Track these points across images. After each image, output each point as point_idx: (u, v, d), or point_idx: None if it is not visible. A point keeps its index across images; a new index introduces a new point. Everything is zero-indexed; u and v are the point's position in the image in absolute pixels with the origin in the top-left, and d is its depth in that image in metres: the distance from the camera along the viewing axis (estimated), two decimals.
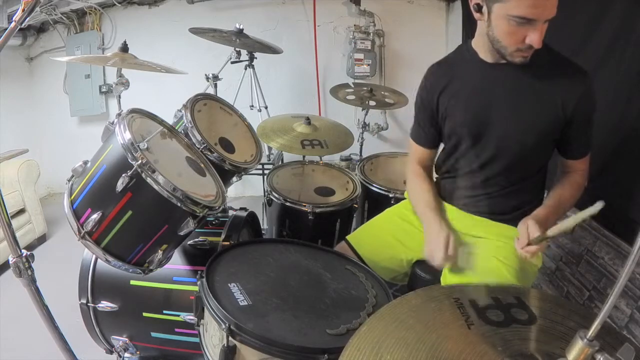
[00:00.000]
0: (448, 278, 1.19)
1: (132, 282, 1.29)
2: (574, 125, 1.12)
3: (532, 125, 1.12)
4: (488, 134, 1.17)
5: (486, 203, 1.25)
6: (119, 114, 1.13)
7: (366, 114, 2.51)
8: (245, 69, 2.75)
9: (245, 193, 3.50)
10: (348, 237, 1.42)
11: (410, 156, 1.38)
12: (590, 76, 1.10)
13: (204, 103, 1.56)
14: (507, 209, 1.24)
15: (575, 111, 1.09)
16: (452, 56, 1.26)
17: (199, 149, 1.37)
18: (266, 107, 2.82)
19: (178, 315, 1.28)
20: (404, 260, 1.35)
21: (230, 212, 1.55)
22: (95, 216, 1.03)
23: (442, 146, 1.35)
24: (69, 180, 1.12)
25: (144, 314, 1.30)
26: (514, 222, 1.23)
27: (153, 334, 1.33)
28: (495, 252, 1.20)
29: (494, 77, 1.14)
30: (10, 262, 0.96)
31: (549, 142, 1.17)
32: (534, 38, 0.99)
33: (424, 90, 1.27)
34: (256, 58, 2.75)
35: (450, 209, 1.31)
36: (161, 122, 1.33)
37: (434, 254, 1.14)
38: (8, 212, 0.96)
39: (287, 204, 1.75)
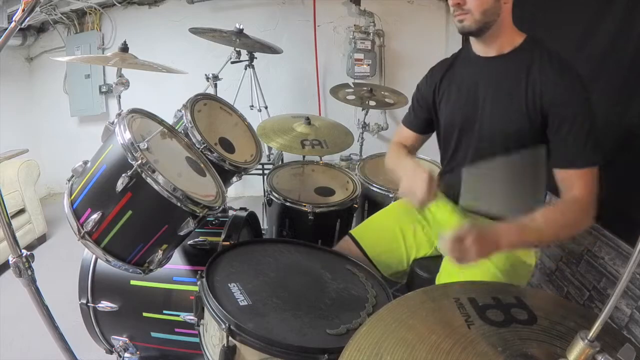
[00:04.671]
0: (442, 278, 1.20)
1: (132, 282, 1.29)
2: (552, 122, 1.04)
3: (512, 118, 1.10)
4: (475, 127, 1.18)
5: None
6: (119, 114, 1.13)
7: (366, 114, 2.52)
8: (245, 69, 2.75)
9: (245, 193, 3.50)
10: (351, 232, 1.42)
11: (394, 137, 1.44)
12: (575, 72, 1.03)
13: (204, 103, 1.56)
14: None
15: (551, 105, 1.03)
16: (458, 52, 1.29)
17: (199, 149, 1.37)
18: (266, 107, 2.82)
19: (178, 315, 1.28)
20: (404, 255, 1.35)
21: (230, 212, 1.55)
22: (95, 216, 1.03)
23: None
24: (69, 180, 1.12)
25: (144, 314, 1.30)
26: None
27: (153, 334, 1.33)
28: None
29: (483, 70, 1.16)
30: (10, 262, 0.96)
31: (533, 139, 1.09)
32: None
33: (424, 81, 1.33)
34: (256, 58, 2.75)
35: (446, 204, 1.30)
36: (161, 122, 1.33)
37: (414, 189, 1.07)
38: (8, 212, 0.96)
39: (287, 204, 1.75)
